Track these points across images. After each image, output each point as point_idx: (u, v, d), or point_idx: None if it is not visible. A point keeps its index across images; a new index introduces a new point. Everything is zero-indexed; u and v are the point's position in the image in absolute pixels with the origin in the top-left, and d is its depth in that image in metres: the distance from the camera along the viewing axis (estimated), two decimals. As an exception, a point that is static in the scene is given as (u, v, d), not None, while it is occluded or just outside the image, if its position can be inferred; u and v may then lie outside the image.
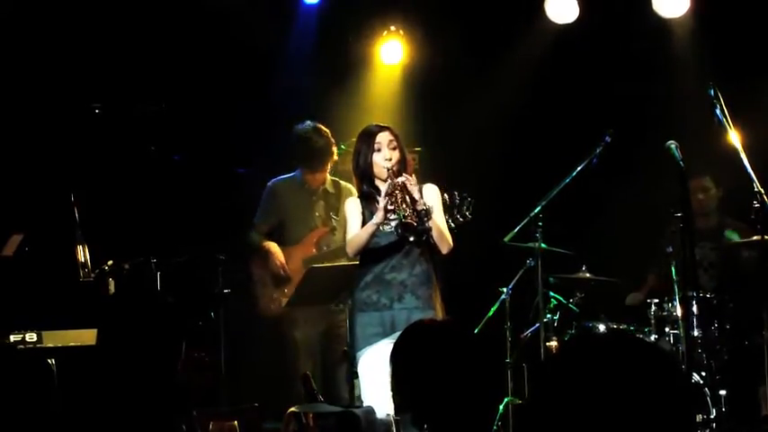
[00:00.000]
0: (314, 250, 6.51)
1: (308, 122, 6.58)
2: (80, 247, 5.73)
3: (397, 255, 5.33)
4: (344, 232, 6.26)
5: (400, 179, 5.22)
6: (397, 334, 5.17)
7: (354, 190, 6.45)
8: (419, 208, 5.14)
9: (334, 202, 6.62)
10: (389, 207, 5.17)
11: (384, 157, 5.34)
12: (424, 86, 8.01)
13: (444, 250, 5.38)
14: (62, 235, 5.92)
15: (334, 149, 6.63)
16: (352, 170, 5.47)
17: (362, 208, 5.40)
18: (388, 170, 5.28)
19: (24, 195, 6.95)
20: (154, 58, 7.48)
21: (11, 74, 7.18)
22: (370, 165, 5.36)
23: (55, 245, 6.01)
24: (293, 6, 7.86)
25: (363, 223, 5.34)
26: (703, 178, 7.22)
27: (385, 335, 5.25)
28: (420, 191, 5.34)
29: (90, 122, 6.81)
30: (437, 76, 8.06)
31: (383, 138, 5.37)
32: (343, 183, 6.67)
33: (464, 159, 7.59)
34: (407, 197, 5.17)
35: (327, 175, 6.68)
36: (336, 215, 6.56)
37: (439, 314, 5.33)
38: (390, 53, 7.94)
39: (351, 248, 5.39)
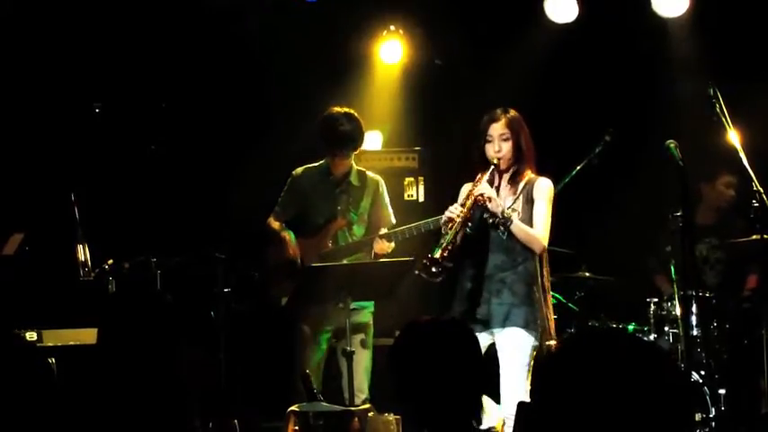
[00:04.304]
0: (330, 244, 6.46)
1: (340, 108, 6.42)
2: (80, 247, 5.74)
3: (498, 253, 5.41)
4: (375, 219, 6.44)
5: (478, 190, 5.35)
6: (493, 329, 5.30)
7: (382, 181, 6.48)
8: (494, 210, 5.33)
9: (358, 195, 6.49)
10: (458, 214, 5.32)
11: (493, 149, 5.43)
12: (424, 86, 8.01)
13: (536, 251, 5.47)
14: (62, 234, 5.93)
15: (363, 139, 6.44)
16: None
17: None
18: (493, 166, 5.42)
19: (24, 195, 6.96)
20: (154, 58, 7.48)
21: (11, 73, 7.19)
22: (482, 156, 5.47)
23: (55, 244, 6.02)
24: (293, 5, 7.86)
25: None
26: (733, 175, 7.16)
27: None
28: (532, 185, 5.46)
29: (90, 122, 6.82)
30: (437, 75, 8.06)
31: (494, 130, 5.45)
32: (370, 174, 6.53)
33: (464, 159, 7.58)
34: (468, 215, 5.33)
35: (354, 165, 6.51)
36: (357, 210, 6.49)
37: (540, 312, 5.41)
38: (390, 53, 7.94)
39: None
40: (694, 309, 6.52)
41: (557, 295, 7.04)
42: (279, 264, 6.48)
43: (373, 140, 7.72)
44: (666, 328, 6.72)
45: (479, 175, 5.42)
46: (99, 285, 5.66)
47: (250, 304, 6.93)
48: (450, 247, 5.25)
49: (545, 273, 5.53)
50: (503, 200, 5.47)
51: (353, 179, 6.47)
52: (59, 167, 6.95)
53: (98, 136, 7.02)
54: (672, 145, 5.65)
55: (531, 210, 5.46)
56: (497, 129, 5.44)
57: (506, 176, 5.50)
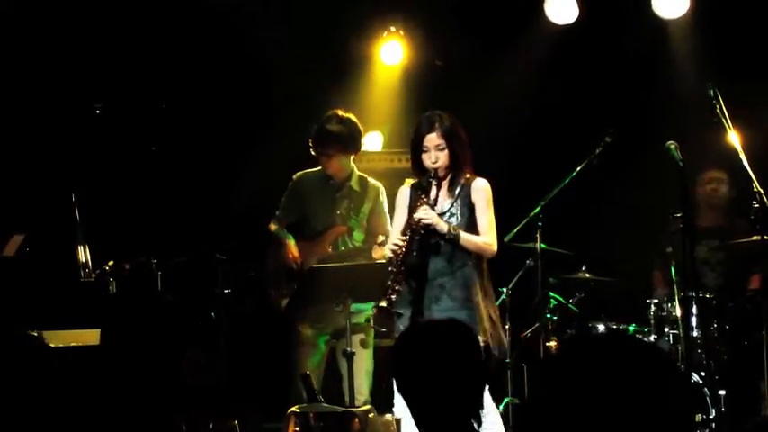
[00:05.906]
0: (329, 249, 6.45)
1: (341, 111, 6.38)
2: (81, 248, 5.74)
3: (438, 258, 5.40)
4: (372, 226, 6.42)
5: (419, 215, 5.32)
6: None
7: (382, 189, 6.48)
8: (440, 232, 5.30)
9: (359, 201, 6.47)
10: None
11: (430, 160, 5.41)
12: (424, 87, 8.01)
13: (488, 256, 5.48)
14: (63, 235, 5.93)
15: (359, 142, 6.41)
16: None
17: (411, 201, 5.51)
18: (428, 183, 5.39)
19: (25, 195, 6.97)
20: (154, 59, 7.48)
21: (12, 74, 7.19)
22: (419, 164, 5.47)
23: (56, 245, 6.02)
24: (293, 5, 7.86)
25: (410, 213, 5.43)
26: (718, 171, 7.14)
27: None
28: (468, 187, 5.44)
29: (90, 122, 6.83)
30: (437, 76, 8.06)
31: (430, 141, 5.42)
32: (371, 181, 6.52)
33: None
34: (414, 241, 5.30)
35: (355, 170, 6.52)
36: (358, 215, 6.48)
37: (481, 314, 5.37)
38: (390, 53, 7.94)
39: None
40: (694, 310, 6.51)
41: (557, 296, 7.04)
42: (279, 268, 6.48)
43: (374, 141, 7.73)
44: (667, 330, 6.71)
45: (420, 200, 5.40)
46: (100, 286, 5.66)
47: (250, 305, 6.94)
48: (396, 286, 5.26)
49: (485, 274, 5.49)
50: (441, 204, 5.46)
51: (354, 184, 6.46)
52: (60, 168, 6.95)
53: (99, 137, 7.03)
54: (672, 146, 5.65)
55: (470, 213, 5.46)
56: (433, 140, 5.41)
57: (445, 183, 5.49)
